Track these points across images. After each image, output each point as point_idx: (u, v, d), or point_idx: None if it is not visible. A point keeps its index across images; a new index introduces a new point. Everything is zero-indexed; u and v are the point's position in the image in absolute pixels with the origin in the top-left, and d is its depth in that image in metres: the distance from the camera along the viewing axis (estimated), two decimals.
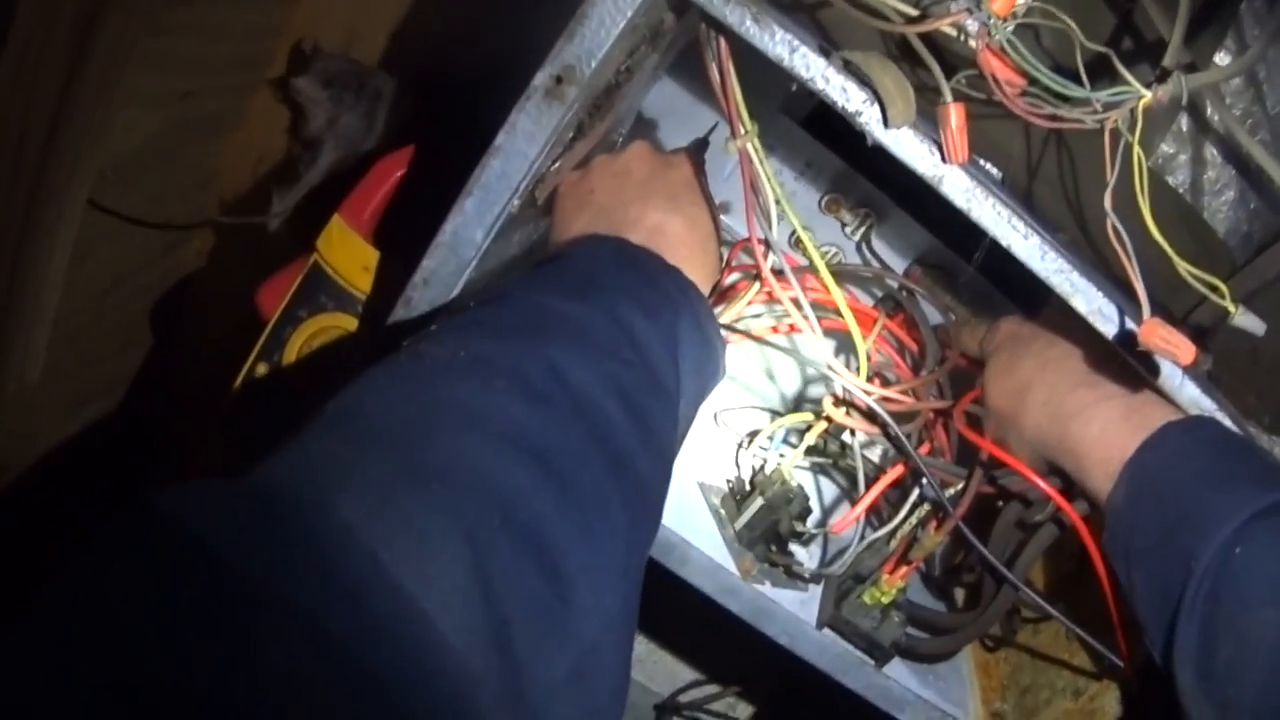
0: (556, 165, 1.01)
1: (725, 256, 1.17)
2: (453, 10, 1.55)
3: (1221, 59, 1.15)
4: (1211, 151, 1.17)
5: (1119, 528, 0.96)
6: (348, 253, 1.14)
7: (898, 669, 1.11)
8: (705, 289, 1.02)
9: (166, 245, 1.46)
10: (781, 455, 1.19)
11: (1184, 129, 1.17)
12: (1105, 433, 0.99)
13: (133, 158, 1.30)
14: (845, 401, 1.10)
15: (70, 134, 1.18)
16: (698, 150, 1.17)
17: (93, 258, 1.32)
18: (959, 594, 1.28)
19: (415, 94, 1.44)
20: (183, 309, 1.58)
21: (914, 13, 0.89)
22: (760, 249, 1.05)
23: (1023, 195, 1.15)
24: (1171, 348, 0.89)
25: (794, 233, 1.19)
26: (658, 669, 1.43)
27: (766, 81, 0.95)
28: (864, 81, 0.89)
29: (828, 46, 0.91)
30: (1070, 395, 1.04)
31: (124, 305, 1.46)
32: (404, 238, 1.15)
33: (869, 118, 0.89)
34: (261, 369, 1.15)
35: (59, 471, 1.49)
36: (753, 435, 1.22)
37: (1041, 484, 1.03)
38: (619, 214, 1.01)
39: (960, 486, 1.08)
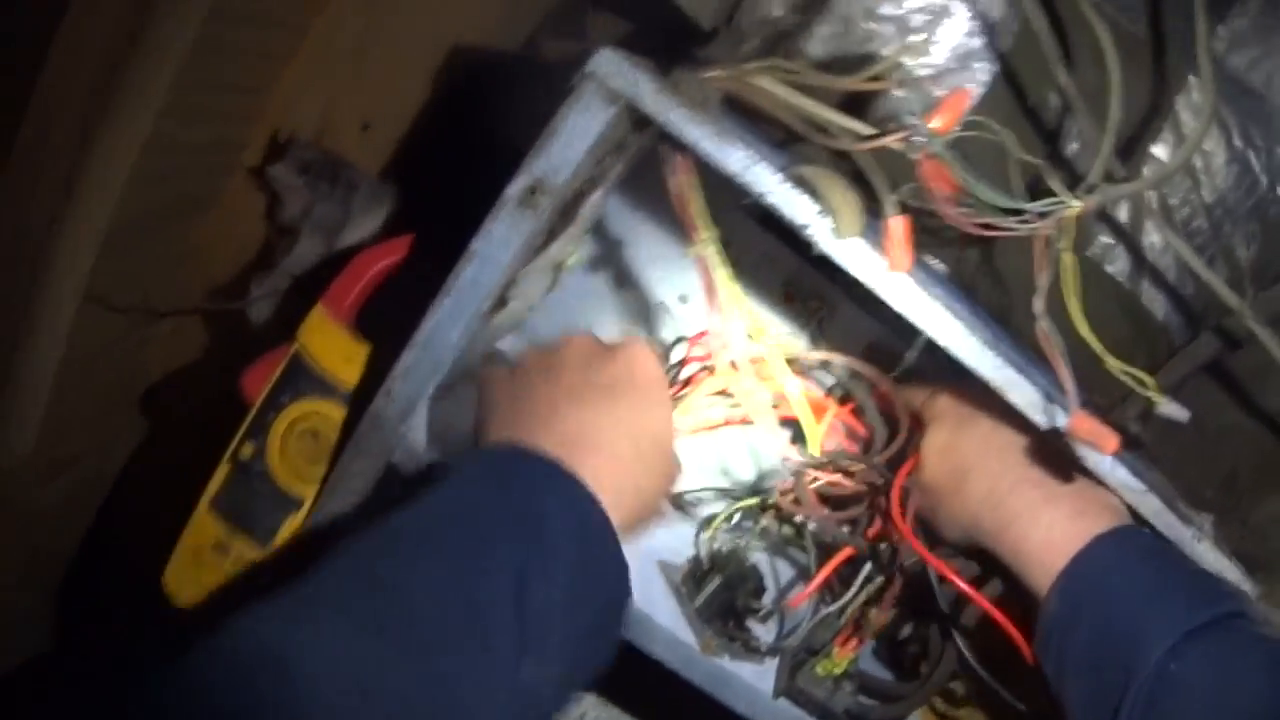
0: (527, 269, 1.07)
1: (684, 353, 1.25)
2: (421, 106, 1.61)
3: (1159, 150, 1.21)
4: (1150, 241, 1.23)
5: (1052, 635, 0.99)
6: (328, 342, 1.19)
7: None
8: (639, 496, 1.01)
9: (137, 324, 1.49)
10: (739, 538, 1.25)
11: (1123, 219, 1.23)
12: (1048, 539, 1.02)
13: (109, 236, 1.34)
14: (792, 489, 1.16)
15: (75, 219, 1.24)
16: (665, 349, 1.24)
17: (70, 335, 1.36)
18: (908, 663, 1.33)
19: (391, 184, 1.48)
20: (155, 388, 1.61)
21: (864, 131, 0.96)
22: (717, 343, 1.11)
23: (968, 289, 1.21)
24: (1096, 438, 0.96)
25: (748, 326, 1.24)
26: None
27: (727, 180, 0.99)
28: (816, 195, 0.95)
29: (784, 161, 0.97)
30: (1013, 493, 1.06)
31: (95, 382, 1.49)
32: (384, 325, 1.20)
33: (817, 230, 0.95)
34: (247, 449, 1.20)
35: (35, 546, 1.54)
36: (710, 519, 1.27)
37: (958, 581, 1.10)
38: (533, 417, 1.00)
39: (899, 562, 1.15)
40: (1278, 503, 1.20)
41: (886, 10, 1.21)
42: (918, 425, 1.19)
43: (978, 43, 1.19)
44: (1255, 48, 1.23)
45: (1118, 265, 1.25)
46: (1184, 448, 1.21)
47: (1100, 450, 0.97)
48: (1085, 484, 1.05)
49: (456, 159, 1.50)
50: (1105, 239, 1.24)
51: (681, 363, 1.25)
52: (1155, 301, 1.26)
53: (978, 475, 1.09)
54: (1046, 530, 1.02)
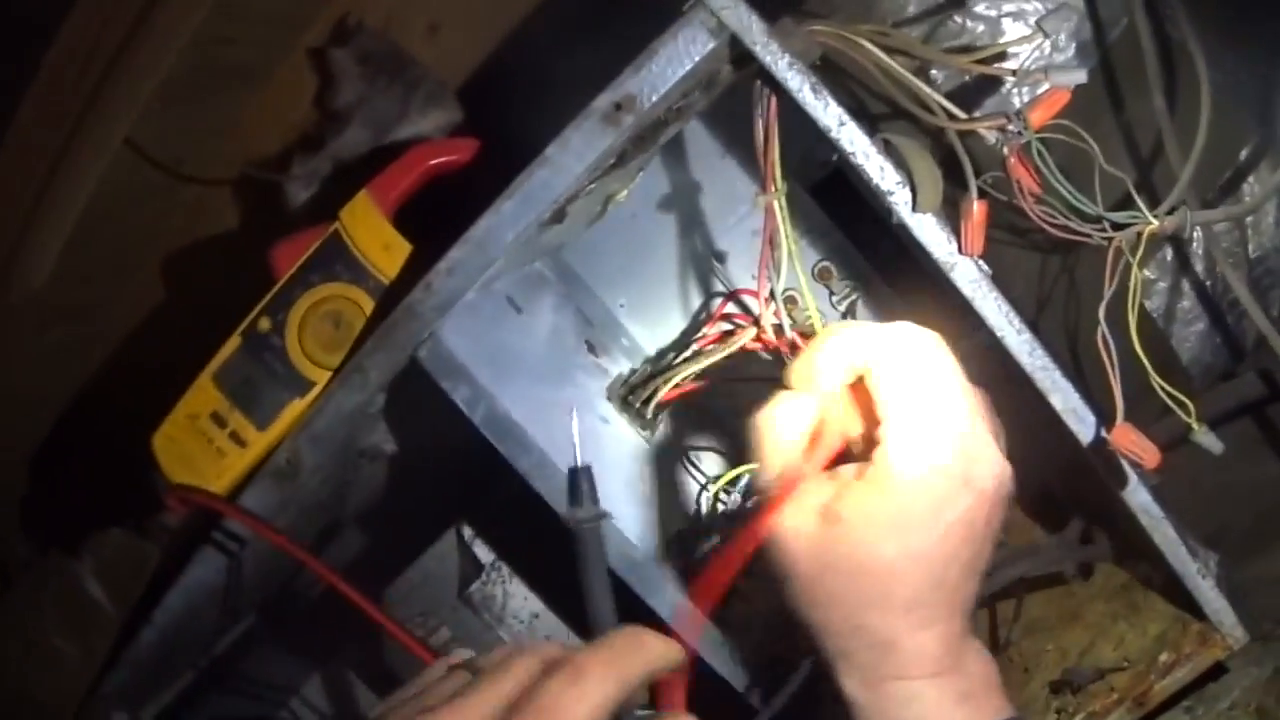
0: (591, 187, 1.06)
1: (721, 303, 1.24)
2: (493, 18, 1.59)
3: (1216, 199, 1.22)
4: (1188, 283, 1.24)
5: None
6: (370, 229, 1.19)
7: None
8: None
9: (171, 184, 1.48)
10: (740, 504, 1.25)
11: (1167, 258, 1.24)
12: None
13: (159, 92, 1.33)
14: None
15: (133, 66, 1.22)
16: None
17: (104, 182, 1.35)
18: None
19: (453, 91, 1.47)
20: (177, 253, 1.60)
21: (960, 113, 0.95)
22: (763, 300, 1.10)
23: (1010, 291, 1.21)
24: (1139, 451, 0.96)
25: (785, 291, 1.24)
26: None
27: (791, 141, 0.99)
28: (900, 164, 0.95)
29: (870, 126, 0.97)
30: (910, 638, 0.85)
31: (118, 233, 1.48)
32: (424, 224, 1.19)
33: (899, 199, 0.95)
34: (265, 323, 1.19)
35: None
36: (716, 478, 1.27)
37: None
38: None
39: None
40: (1262, 564, 1.20)
41: (980, 8, 1.21)
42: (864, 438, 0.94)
43: (1068, 53, 1.19)
44: None
45: (1154, 302, 1.25)
46: (1178, 496, 1.21)
47: (1142, 464, 0.96)
48: (980, 652, 0.91)
49: (522, 79, 1.48)
50: (1147, 273, 1.25)
51: (715, 317, 1.24)
52: (1184, 344, 1.27)
53: (846, 630, 0.87)
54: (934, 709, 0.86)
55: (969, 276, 0.97)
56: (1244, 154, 1.24)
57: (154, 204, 1.48)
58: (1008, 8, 1.21)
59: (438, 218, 1.12)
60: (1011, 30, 1.21)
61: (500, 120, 1.35)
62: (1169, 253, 1.25)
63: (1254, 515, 1.25)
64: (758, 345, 1.16)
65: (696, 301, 1.35)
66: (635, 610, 1.07)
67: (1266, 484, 1.25)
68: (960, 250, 0.96)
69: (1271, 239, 1.26)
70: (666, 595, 1.10)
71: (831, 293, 1.36)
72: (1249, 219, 1.25)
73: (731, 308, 1.25)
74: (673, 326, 1.37)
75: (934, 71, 1.17)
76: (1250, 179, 1.23)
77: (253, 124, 1.53)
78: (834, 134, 0.94)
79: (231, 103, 1.49)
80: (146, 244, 1.55)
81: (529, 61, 1.50)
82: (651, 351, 1.37)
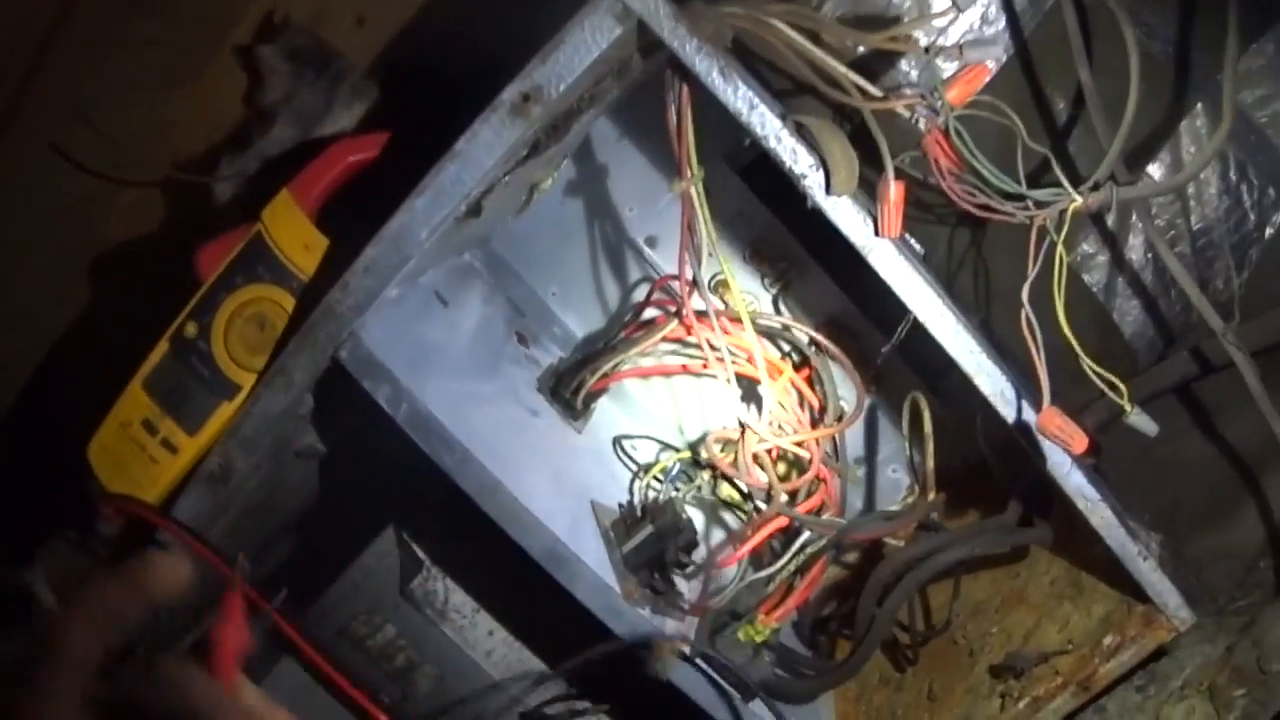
0: (506, 179, 1.05)
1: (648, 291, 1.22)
2: (418, 9, 1.58)
3: (1155, 170, 1.20)
4: (1130, 257, 1.23)
5: None
6: (291, 228, 1.17)
7: (760, 707, 1.15)
8: None
9: (100, 189, 1.47)
10: (676, 489, 1.24)
11: (1107, 231, 1.23)
12: None
13: (87, 98, 1.31)
14: (738, 448, 1.15)
15: (55, 75, 1.21)
16: None
17: (36, 190, 1.34)
18: (826, 643, 1.32)
19: (378, 83, 1.46)
20: (111, 256, 1.59)
21: (875, 91, 0.93)
22: (686, 287, 1.09)
23: (942, 275, 1.20)
24: (1065, 436, 0.95)
25: (714, 276, 1.23)
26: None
27: (713, 127, 0.98)
28: (813, 146, 0.93)
29: (783, 109, 0.95)
30: None
31: (52, 240, 1.47)
32: (345, 222, 1.18)
33: (813, 182, 0.93)
34: (191, 328, 1.17)
35: None
36: (649, 467, 1.25)
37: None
38: None
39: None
40: (1215, 538, 1.19)
41: None
42: None
43: (997, 27, 1.18)
44: (1265, 87, 1.23)
45: (1094, 276, 1.24)
46: (1130, 472, 1.20)
47: (1069, 449, 0.95)
48: None
49: (445, 68, 1.47)
50: (1086, 248, 1.24)
51: (644, 304, 1.23)
52: (1126, 318, 1.25)
53: None
54: None
55: (888, 259, 0.95)
56: (1184, 123, 1.23)
57: (88, 210, 1.47)
58: None
59: (367, 211, 1.11)
60: (939, 3, 1.19)
61: (426, 112, 1.34)
62: (1108, 225, 1.24)
63: (1206, 489, 1.24)
64: (682, 332, 1.14)
65: (629, 287, 1.33)
66: (561, 600, 1.07)
67: (1217, 457, 1.23)
68: (877, 232, 0.94)
69: (1214, 209, 1.25)
70: (589, 584, 1.09)
71: (763, 275, 1.35)
72: (1190, 189, 1.24)
73: (660, 294, 1.23)
74: (606, 313, 1.36)
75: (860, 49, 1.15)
76: (1191, 148, 1.22)
77: (184, 125, 1.52)
78: (745, 118, 0.92)
79: (162, 104, 1.48)
80: (81, 250, 1.54)
81: (456, 51, 1.48)
82: (584, 339, 1.36)
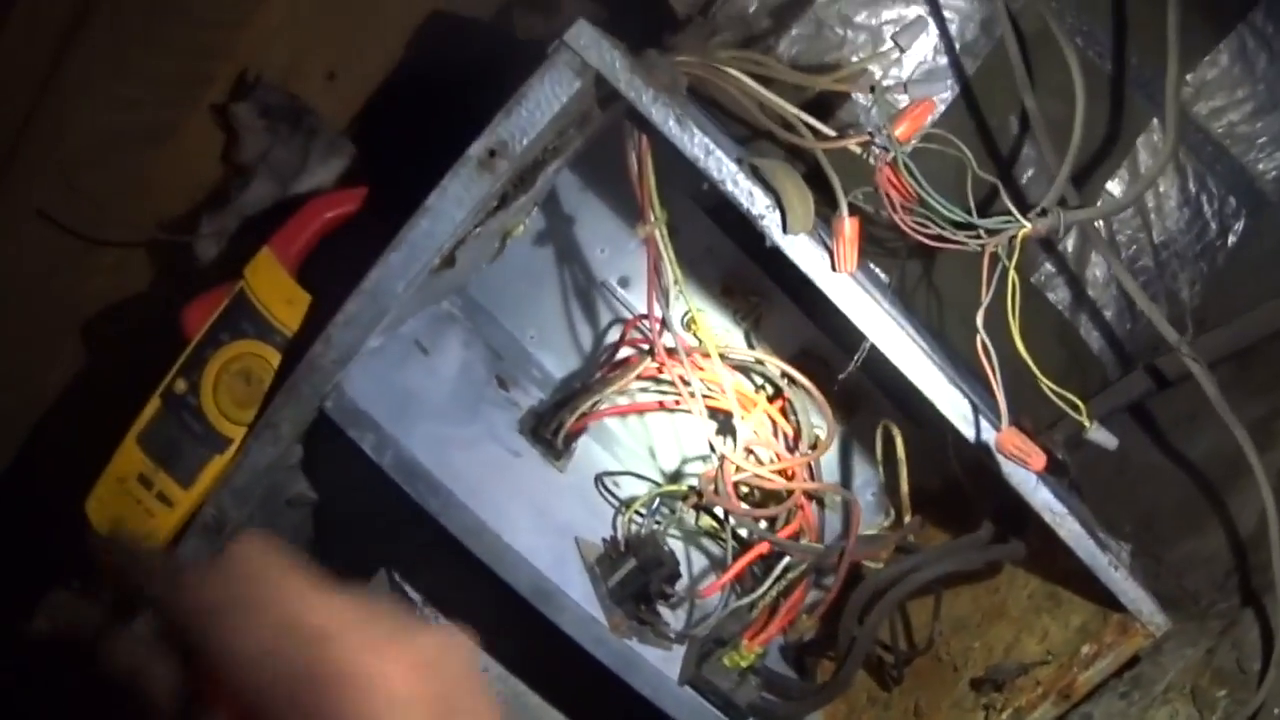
0: (478, 230, 1.08)
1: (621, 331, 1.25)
2: (388, 63, 1.61)
3: (1114, 186, 1.23)
4: (1093, 274, 1.26)
5: None
6: (273, 284, 1.20)
7: None
8: None
9: (85, 250, 1.49)
10: (657, 523, 1.27)
11: (1069, 249, 1.26)
12: None
13: (67, 160, 1.33)
14: (717, 478, 1.18)
15: (36, 138, 1.24)
16: None
17: (25, 251, 1.36)
18: (810, 665, 1.34)
19: (350, 138, 1.49)
20: (95, 316, 1.61)
21: (828, 131, 0.97)
22: (656, 326, 1.12)
23: (907, 301, 1.23)
24: (1024, 455, 0.98)
25: (687, 313, 1.26)
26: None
27: (679, 166, 1.00)
28: (769, 187, 0.97)
29: (741, 151, 0.99)
30: None
31: (36, 303, 1.49)
32: (328, 275, 1.20)
33: (770, 222, 0.96)
34: (180, 385, 1.20)
35: None
36: (630, 502, 1.29)
37: None
38: None
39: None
40: (1194, 544, 1.21)
41: (861, 18, 1.22)
42: None
43: (945, 59, 1.21)
44: (1220, 98, 1.26)
45: (1059, 294, 1.27)
46: (1106, 483, 1.23)
47: (1027, 467, 0.99)
48: None
49: (416, 120, 1.50)
50: (1049, 267, 1.26)
51: (618, 344, 1.26)
52: (1093, 334, 1.28)
53: None
54: None
55: (845, 293, 0.99)
56: (1141, 138, 1.26)
57: (71, 270, 1.49)
58: (888, 15, 1.23)
59: (346, 264, 1.14)
60: (887, 42, 1.22)
61: (397, 165, 1.37)
62: (1070, 243, 1.27)
63: (1183, 495, 1.26)
64: (656, 369, 1.17)
65: (603, 327, 1.36)
66: (548, 637, 1.10)
67: (1191, 464, 1.26)
68: (834, 268, 0.97)
69: (1175, 221, 1.28)
70: (575, 617, 1.11)
71: (735, 309, 1.38)
72: (1150, 202, 1.27)
73: (634, 334, 1.26)
74: (582, 354, 1.38)
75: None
76: (1149, 161, 1.24)
77: (163, 183, 1.53)
78: (702, 163, 0.96)
79: (140, 164, 1.50)
80: (67, 310, 1.56)
81: (423, 105, 1.51)
82: (562, 380, 1.38)
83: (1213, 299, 1.30)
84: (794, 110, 0.99)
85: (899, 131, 0.98)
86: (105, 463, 1.23)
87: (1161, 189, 1.26)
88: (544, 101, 0.98)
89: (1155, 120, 1.25)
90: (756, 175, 0.97)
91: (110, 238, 1.49)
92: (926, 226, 1.01)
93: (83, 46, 1.25)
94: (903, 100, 1.04)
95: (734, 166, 0.96)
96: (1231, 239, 1.29)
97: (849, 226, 0.96)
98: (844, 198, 0.97)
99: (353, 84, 1.61)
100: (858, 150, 0.99)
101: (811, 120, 0.99)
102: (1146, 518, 1.26)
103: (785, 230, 0.96)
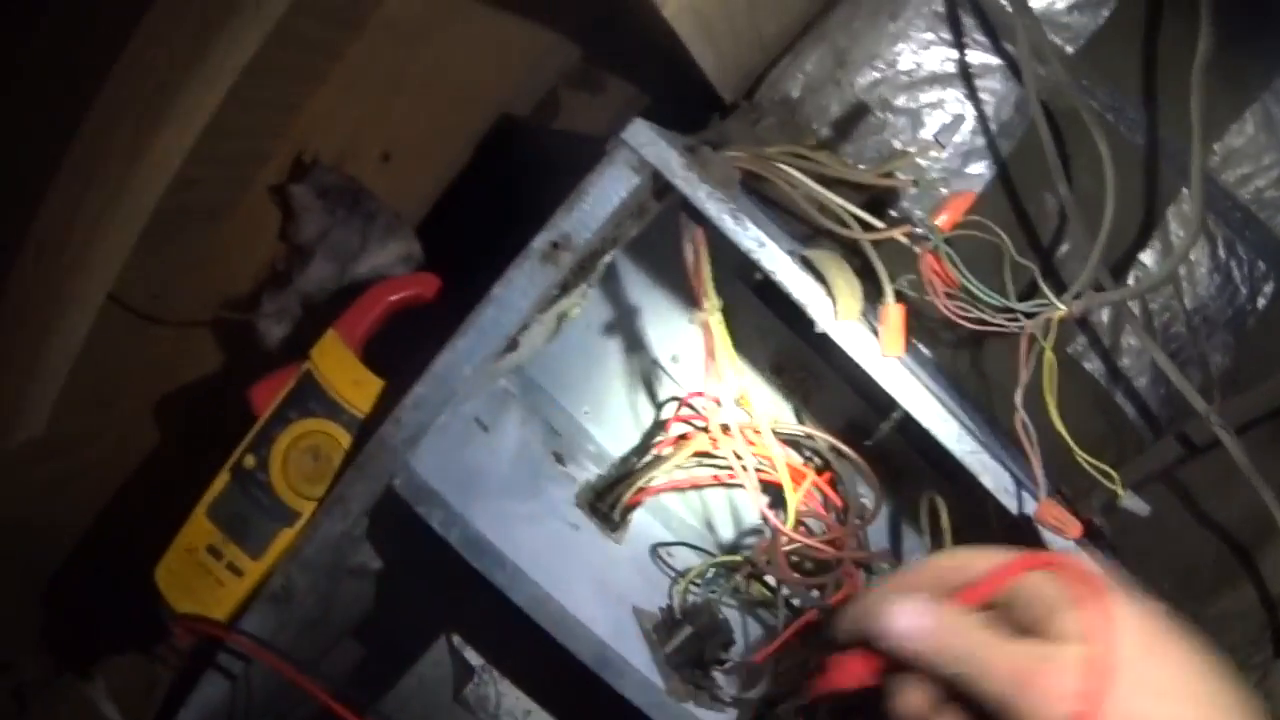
0: (540, 315, 1.13)
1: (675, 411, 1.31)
2: (442, 146, 1.66)
3: (1147, 257, 1.28)
4: (1128, 341, 1.30)
5: None
6: (339, 366, 1.25)
7: None
8: None
9: (150, 324, 1.53)
10: (712, 592, 1.31)
11: (1104, 319, 1.30)
12: None
13: (136, 242, 1.38)
14: (770, 549, 1.22)
15: (114, 220, 1.29)
16: None
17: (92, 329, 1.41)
18: None
19: (407, 221, 1.53)
20: (159, 392, 1.65)
21: (876, 223, 1.02)
22: (710, 404, 1.17)
23: (951, 377, 1.27)
24: (1061, 525, 1.03)
25: (738, 391, 1.30)
26: None
27: (731, 250, 1.04)
28: (819, 278, 1.01)
29: (793, 244, 1.03)
30: None
31: (102, 377, 1.53)
32: (390, 356, 1.25)
33: (819, 310, 1.01)
34: (250, 460, 1.25)
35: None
36: (685, 572, 1.34)
37: None
38: None
39: None
40: (1233, 599, 1.25)
41: (900, 102, 1.27)
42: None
43: (983, 140, 1.26)
44: (1247, 165, 1.30)
45: (1096, 364, 1.31)
46: (1144, 543, 1.26)
47: (1064, 535, 1.03)
48: None
49: (472, 203, 1.54)
50: (1086, 338, 1.30)
51: (672, 420, 1.30)
52: (1128, 401, 1.32)
53: None
54: None
55: (892, 376, 1.03)
56: (1171, 208, 1.30)
57: (135, 344, 1.53)
58: (925, 99, 1.28)
59: (406, 344, 1.18)
60: (931, 122, 1.27)
61: (455, 248, 1.41)
62: (1106, 314, 1.31)
63: (1218, 554, 1.30)
64: (710, 445, 1.22)
65: (657, 403, 1.41)
66: (609, 701, 1.14)
67: (1226, 525, 1.29)
68: (882, 352, 1.02)
69: (1206, 288, 1.32)
70: (635, 683, 1.15)
71: (785, 386, 1.42)
72: (1181, 270, 1.31)
73: (687, 410, 1.31)
74: (638, 428, 1.43)
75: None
76: (1179, 232, 1.29)
77: (220, 260, 1.57)
78: (755, 255, 1.00)
79: (199, 241, 1.53)
80: (131, 381, 1.60)
81: (479, 189, 1.56)
82: (617, 455, 1.43)
83: (1244, 361, 1.33)
84: (841, 203, 1.04)
85: (940, 222, 1.03)
86: (172, 533, 1.28)
87: (1193, 257, 1.31)
88: (604, 197, 1.03)
89: (1185, 190, 1.29)
90: (808, 266, 1.02)
91: (175, 311, 1.53)
92: (968, 311, 1.06)
93: (156, 139, 1.29)
94: (944, 191, 1.09)
95: (786, 259, 1.00)
96: (1261, 301, 1.33)
97: (895, 313, 1.01)
98: (890, 285, 1.02)
99: (406, 164, 1.66)
100: (904, 240, 1.04)
101: (858, 212, 1.04)
102: (1187, 574, 1.29)
103: (835, 318, 1.01)
